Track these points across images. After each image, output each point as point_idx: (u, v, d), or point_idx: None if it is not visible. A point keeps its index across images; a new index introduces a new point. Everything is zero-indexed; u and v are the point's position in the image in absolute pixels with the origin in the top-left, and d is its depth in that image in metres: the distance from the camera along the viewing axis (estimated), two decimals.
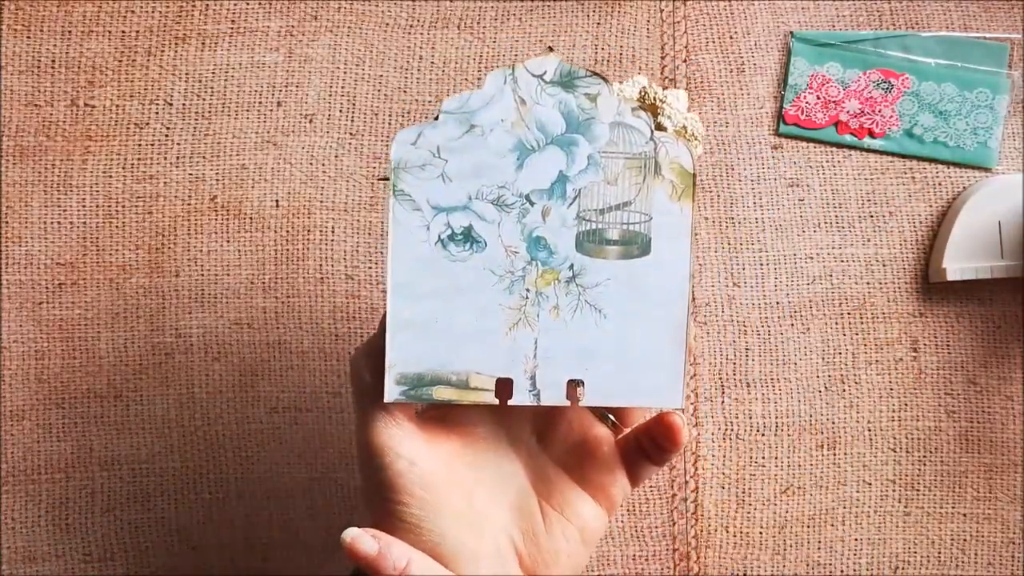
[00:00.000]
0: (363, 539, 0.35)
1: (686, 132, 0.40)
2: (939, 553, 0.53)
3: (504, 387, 0.37)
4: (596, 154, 0.37)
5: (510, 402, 0.37)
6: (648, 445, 0.39)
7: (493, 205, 0.37)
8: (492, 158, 0.37)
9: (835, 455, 0.53)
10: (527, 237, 0.37)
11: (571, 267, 0.37)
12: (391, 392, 0.36)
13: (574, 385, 0.38)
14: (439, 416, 0.39)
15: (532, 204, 0.37)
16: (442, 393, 0.37)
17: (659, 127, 0.39)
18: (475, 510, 0.37)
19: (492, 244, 0.37)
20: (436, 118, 0.37)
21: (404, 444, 0.36)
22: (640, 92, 0.40)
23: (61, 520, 0.52)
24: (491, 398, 0.37)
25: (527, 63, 0.36)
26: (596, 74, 0.37)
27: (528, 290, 0.37)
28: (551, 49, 0.54)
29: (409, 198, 0.36)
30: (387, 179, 0.38)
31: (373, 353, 0.37)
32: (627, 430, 0.41)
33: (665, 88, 0.40)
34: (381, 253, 0.54)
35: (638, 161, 0.37)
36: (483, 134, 0.36)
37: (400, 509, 0.36)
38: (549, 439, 0.40)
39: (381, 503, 0.36)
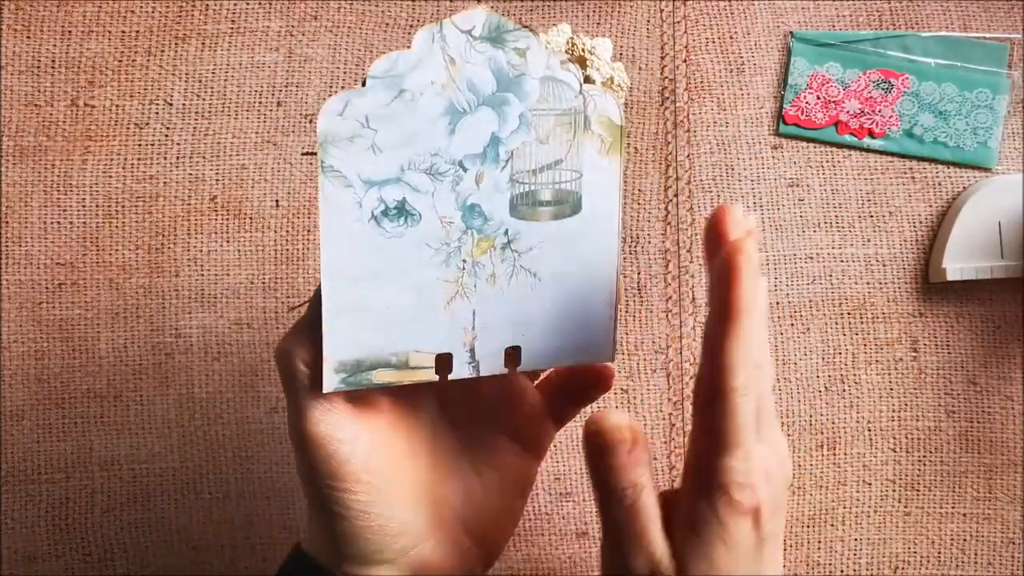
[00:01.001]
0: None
1: (612, 83, 0.39)
2: (939, 553, 0.53)
3: (444, 362, 0.36)
4: (527, 112, 0.35)
5: (450, 376, 0.36)
6: (573, 390, 0.39)
7: (426, 174, 0.35)
8: (423, 124, 0.34)
9: (835, 455, 0.53)
10: (462, 206, 0.35)
11: (506, 232, 0.36)
12: (330, 382, 0.34)
13: (511, 352, 0.37)
14: (367, 392, 0.37)
15: (465, 170, 0.35)
16: (382, 376, 0.35)
17: (587, 80, 0.37)
18: (416, 484, 0.37)
19: (427, 216, 0.35)
20: (363, 84, 0.34)
21: (342, 429, 0.35)
22: (567, 43, 0.39)
23: (61, 520, 0.52)
24: (431, 375, 0.36)
25: (454, 18, 0.34)
26: (525, 27, 0.35)
27: (465, 261, 0.36)
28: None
29: (339, 174, 0.34)
30: (314, 154, 0.36)
31: (305, 340, 0.35)
32: (544, 374, 0.41)
33: (592, 37, 0.38)
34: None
35: (568, 117, 0.36)
36: (413, 99, 0.34)
37: (347, 497, 0.35)
38: (475, 396, 0.40)
39: (325, 491, 0.35)
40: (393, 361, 0.35)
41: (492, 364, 0.37)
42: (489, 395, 0.40)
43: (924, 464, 0.54)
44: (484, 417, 0.40)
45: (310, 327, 0.35)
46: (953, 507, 0.53)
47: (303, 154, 0.53)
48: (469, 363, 0.36)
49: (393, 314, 0.35)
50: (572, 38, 0.38)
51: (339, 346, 0.34)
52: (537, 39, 0.35)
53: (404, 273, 0.35)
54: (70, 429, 0.53)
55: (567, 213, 0.37)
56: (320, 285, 0.34)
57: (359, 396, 0.36)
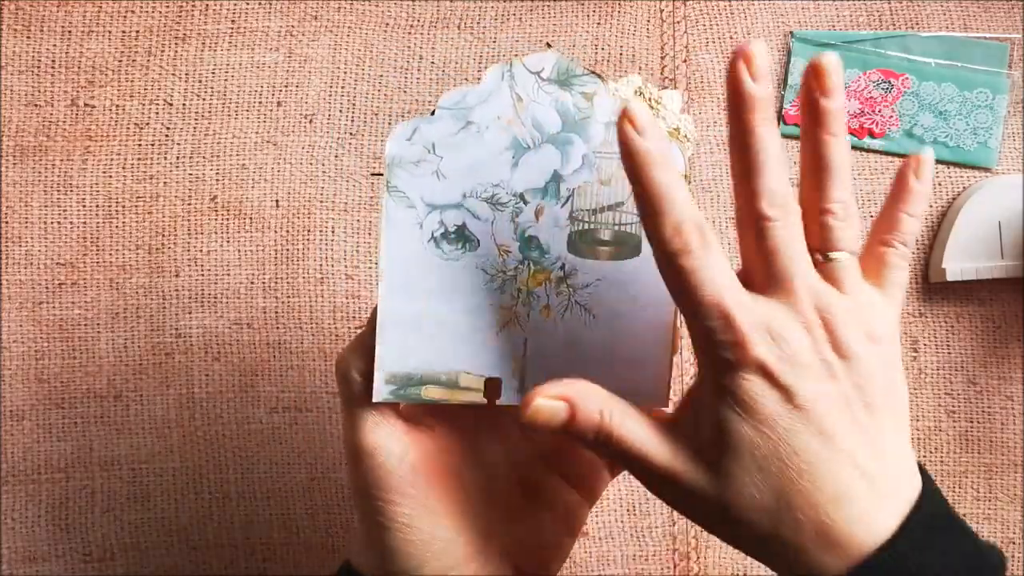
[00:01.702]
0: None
1: (679, 133, 0.40)
2: None
3: (493, 386, 0.37)
4: (591, 154, 0.37)
5: (498, 402, 0.37)
6: None
7: (487, 203, 0.36)
8: (487, 156, 0.36)
9: None
10: (520, 236, 0.37)
11: (563, 267, 0.37)
12: (380, 392, 0.36)
13: None
14: (425, 411, 0.38)
15: (526, 203, 0.36)
16: (431, 393, 0.36)
17: None
18: (463, 507, 0.37)
19: (485, 243, 0.36)
20: (432, 113, 0.36)
21: (392, 442, 0.36)
22: (635, 92, 0.40)
23: (61, 520, 0.52)
24: (479, 398, 0.37)
25: (525, 59, 0.36)
26: (593, 72, 0.36)
27: (520, 290, 0.37)
28: (549, 46, 0.54)
29: (403, 195, 0.36)
30: (380, 175, 0.37)
31: (361, 352, 0.37)
32: None
33: (661, 88, 0.40)
34: (376, 251, 0.54)
35: None
36: (479, 131, 0.36)
37: (392, 508, 0.35)
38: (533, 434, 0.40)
39: (371, 502, 0.36)
40: (443, 379, 0.37)
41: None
42: (548, 433, 0.40)
43: (924, 464, 0.54)
44: (542, 454, 0.40)
45: (367, 340, 0.36)
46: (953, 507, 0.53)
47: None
48: (518, 391, 0.37)
49: (445, 333, 0.36)
50: (640, 87, 0.39)
51: (391, 358, 0.36)
52: (605, 86, 0.37)
53: (458, 295, 0.36)
54: (70, 429, 0.53)
55: (626, 255, 0.37)
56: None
57: (412, 414, 0.37)
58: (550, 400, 0.32)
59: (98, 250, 0.53)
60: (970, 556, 0.31)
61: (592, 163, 0.37)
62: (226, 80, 0.54)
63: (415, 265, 0.36)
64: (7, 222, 0.53)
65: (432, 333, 0.36)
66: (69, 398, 0.53)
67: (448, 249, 0.36)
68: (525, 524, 0.39)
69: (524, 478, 0.40)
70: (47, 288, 0.53)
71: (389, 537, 0.35)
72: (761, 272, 0.31)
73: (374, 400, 0.36)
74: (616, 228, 0.37)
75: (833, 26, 0.55)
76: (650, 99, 0.40)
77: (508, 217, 0.36)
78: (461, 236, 0.36)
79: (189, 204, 0.54)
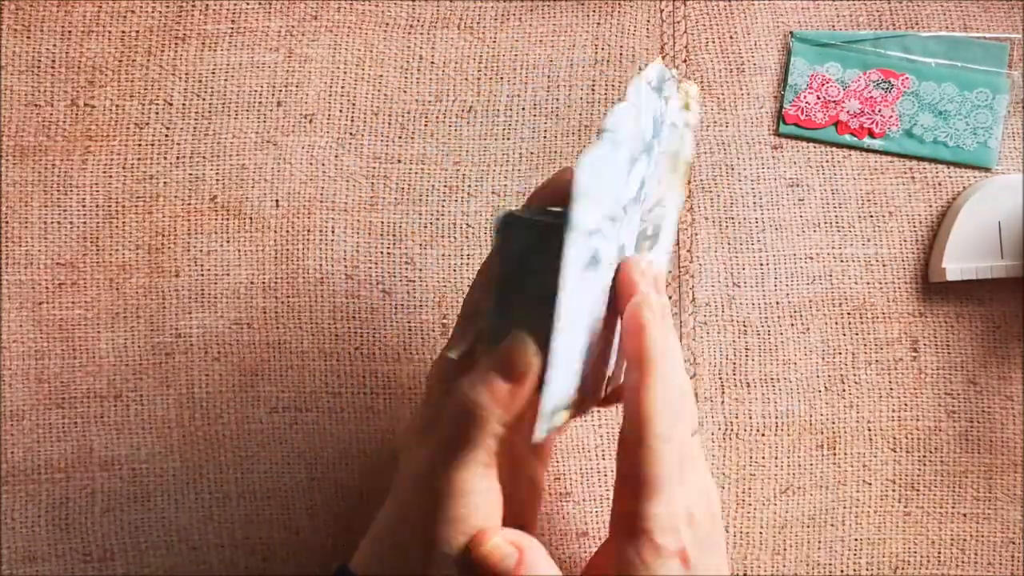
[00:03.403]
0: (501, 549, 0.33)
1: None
2: (939, 553, 0.53)
3: (580, 405, 0.36)
4: (660, 155, 0.35)
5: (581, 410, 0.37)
6: None
7: (610, 221, 0.33)
8: (619, 174, 0.33)
9: (835, 455, 0.53)
10: (618, 248, 0.35)
11: None
12: (540, 430, 0.33)
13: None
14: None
15: (625, 214, 0.34)
16: (560, 417, 0.34)
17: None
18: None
19: (604, 262, 0.34)
20: (598, 135, 0.32)
21: (483, 480, 0.35)
22: (687, 96, 0.40)
23: (61, 520, 0.52)
24: (570, 413, 0.36)
25: (645, 71, 0.34)
26: (678, 78, 0.35)
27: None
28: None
29: (578, 229, 0.31)
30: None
31: (489, 391, 0.34)
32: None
33: (680, 82, 0.39)
34: (381, 253, 0.54)
35: (673, 158, 0.37)
36: (617, 149, 0.32)
37: (462, 540, 0.34)
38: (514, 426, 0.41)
39: (456, 538, 0.34)
40: (567, 403, 0.35)
41: (596, 397, 0.38)
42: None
43: (924, 464, 0.54)
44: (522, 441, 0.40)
45: (487, 374, 0.34)
46: (953, 507, 0.53)
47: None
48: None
49: (577, 357, 0.34)
50: (679, 84, 0.38)
51: (555, 397, 0.33)
52: (677, 88, 0.36)
53: (587, 318, 0.34)
54: (70, 429, 0.53)
55: (652, 246, 0.38)
56: (489, 321, 0.35)
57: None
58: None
59: (98, 250, 0.53)
60: None
61: (659, 164, 0.35)
62: (226, 80, 0.54)
63: (576, 299, 0.32)
64: (7, 222, 0.53)
65: (572, 360, 0.34)
66: (69, 398, 0.53)
67: (590, 275, 0.33)
68: (509, 491, 0.39)
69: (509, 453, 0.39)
70: (47, 288, 0.53)
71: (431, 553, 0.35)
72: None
73: (534, 440, 0.33)
74: (656, 223, 0.37)
75: (833, 26, 0.55)
76: (687, 94, 0.39)
77: (616, 232, 0.34)
78: (596, 260, 0.33)
79: (189, 204, 0.54)
